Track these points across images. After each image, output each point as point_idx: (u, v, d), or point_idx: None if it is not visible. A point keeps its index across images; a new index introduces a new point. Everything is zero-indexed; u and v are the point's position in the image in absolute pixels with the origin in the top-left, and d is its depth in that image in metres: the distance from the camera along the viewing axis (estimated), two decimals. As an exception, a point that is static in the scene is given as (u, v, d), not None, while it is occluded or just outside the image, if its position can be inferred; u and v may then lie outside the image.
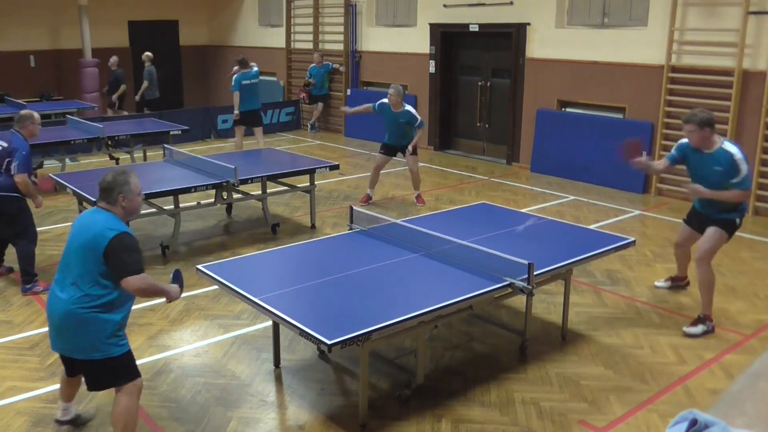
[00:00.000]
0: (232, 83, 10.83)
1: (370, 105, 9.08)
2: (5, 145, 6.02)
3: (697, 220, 5.66)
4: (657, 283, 6.33)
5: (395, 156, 9.09)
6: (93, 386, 3.77)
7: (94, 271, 3.55)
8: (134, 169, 8.23)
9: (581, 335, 5.37)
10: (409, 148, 8.73)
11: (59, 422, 4.06)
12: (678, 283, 6.27)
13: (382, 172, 9.22)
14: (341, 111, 9.87)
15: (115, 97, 14.39)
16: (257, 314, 5.43)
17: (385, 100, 8.76)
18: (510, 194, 9.75)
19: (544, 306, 5.83)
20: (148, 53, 14.49)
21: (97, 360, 3.59)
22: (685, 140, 5.43)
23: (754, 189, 8.74)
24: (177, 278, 4.03)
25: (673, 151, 5.62)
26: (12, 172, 5.88)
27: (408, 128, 8.76)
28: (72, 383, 4.00)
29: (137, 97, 14.29)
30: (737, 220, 5.40)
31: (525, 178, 10.84)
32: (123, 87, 14.37)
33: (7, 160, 5.92)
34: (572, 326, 5.47)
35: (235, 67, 11.04)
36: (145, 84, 14.17)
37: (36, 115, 6.26)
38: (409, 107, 8.80)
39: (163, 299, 4.00)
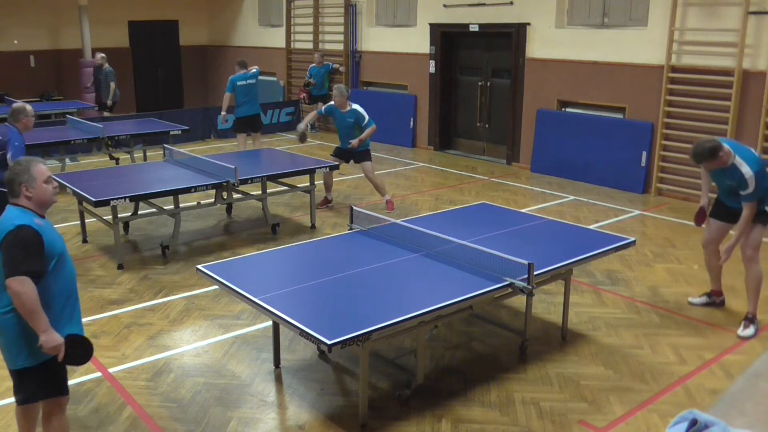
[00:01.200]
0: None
1: (315, 111, 8.98)
2: (0, 138, 6.15)
3: (724, 212, 5.58)
4: (691, 300, 5.97)
5: (347, 162, 8.78)
6: (15, 397, 3.47)
7: (1, 272, 3.24)
8: (134, 169, 8.33)
9: (581, 335, 5.37)
10: (353, 142, 8.38)
11: None
12: (714, 298, 5.89)
13: (381, 172, 9.19)
14: (299, 131, 8.94)
15: (109, 101, 13.48)
16: (257, 314, 5.43)
17: (332, 102, 8.58)
18: (510, 194, 9.75)
19: (544, 306, 5.83)
20: (102, 54, 13.65)
21: (14, 370, 3.36)
22: None
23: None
24: (75, 344, 3.36)
25: None
26: (9, 163, 5.90)
27: (357, 130, 8.45)
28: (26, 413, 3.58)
29: (109, 102, 13.38)
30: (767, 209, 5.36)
31: (525, 178, 10.84)
32: (112, 85, 13.42)
33: (1, 152, 6.03)
34: (572, 326, 5.47)
35: (236, 68, 10.87)
36: (113, 86, 13.34)
37: (29, 107, 6.27)
38: (356, 106, 8.50)
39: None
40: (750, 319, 5.42)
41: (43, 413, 3.54)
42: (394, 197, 9.10)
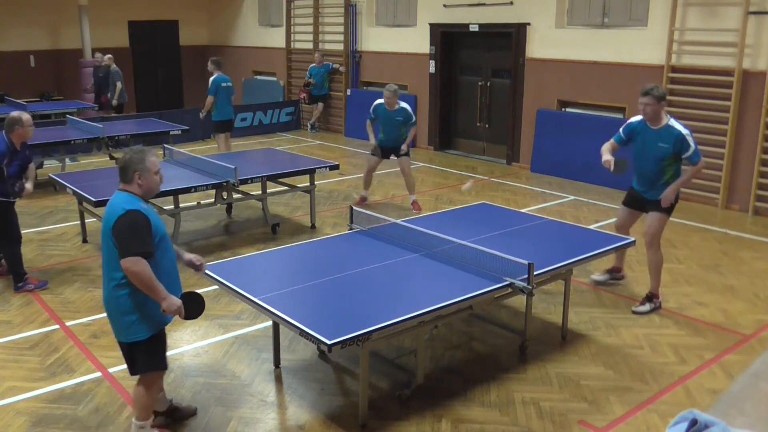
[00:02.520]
0: (209, 85, 10.32)
1: (369, 120, 8.87)
2: None
3: (636, 201, 5.93)
4: (594, 277, 6.32)
5: (388, 158, 8.90)
6: (130, 369, 3.78)
7: (114, 253, 3.50)
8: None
9: (581, 335, 5.37)
10: (404, 147, 8.62)
11: (155, 413, 4.02)
12: (616, 274, 6.31)
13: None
14: (372, 147, 8.93)
15: (114, 101, 13.54)
16: (257, 314, 5.43)
17: (380, 101, 8.64)
18: (510, 194, 9.75)
19: (544, 306, 5.83)
20: (109, 55, 13.72)
21: (125, 343, 3.65)
22: (634, 120, 5.76)
23: (754, 189, 8.75)
24: (189, 300, 3.71)
25: (620, 132, 5.88)
26: None
27: (403, 127, 8.63)
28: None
29: (114, 102, 13.46)
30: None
31: (525, 178, 10.84)
32: (119, 85, 13.49)
33: None
34: (572, 326, 5.47)
35: (211, 67, 10.55)
36: (119, 86, 13.40)
37: (25, 117, 5.86)
38: (404, 104, 8.67)
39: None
40: (648, 298, 5.77)
41: (142, 383, 3.77)
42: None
